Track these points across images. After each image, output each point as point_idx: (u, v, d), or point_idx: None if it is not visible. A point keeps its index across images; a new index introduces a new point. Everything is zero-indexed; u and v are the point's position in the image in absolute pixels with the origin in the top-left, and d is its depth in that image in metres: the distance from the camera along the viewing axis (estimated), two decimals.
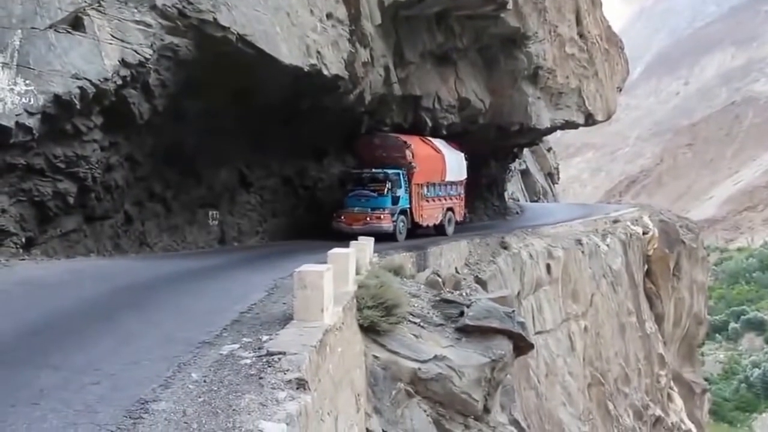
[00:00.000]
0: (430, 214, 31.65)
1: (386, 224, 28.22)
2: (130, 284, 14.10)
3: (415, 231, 30.09)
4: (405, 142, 30.32)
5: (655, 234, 49.10)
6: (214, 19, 18.77)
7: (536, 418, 26.74)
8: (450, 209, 33.44)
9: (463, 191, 35.29)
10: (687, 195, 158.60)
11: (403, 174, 29.74)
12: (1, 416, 6.43)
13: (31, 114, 15.59)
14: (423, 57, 31.09)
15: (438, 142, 33.50)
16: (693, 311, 56.11)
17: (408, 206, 29.96)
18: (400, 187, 29.49)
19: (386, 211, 28.60)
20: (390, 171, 29.39)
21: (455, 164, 33.92)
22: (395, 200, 29.24)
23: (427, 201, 31.63)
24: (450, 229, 32.68)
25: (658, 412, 44.62)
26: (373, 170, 29.60)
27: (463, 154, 35.13)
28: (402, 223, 29.16)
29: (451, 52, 32.66)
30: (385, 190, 29.05)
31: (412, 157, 30.16)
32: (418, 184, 30.71)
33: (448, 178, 33.20)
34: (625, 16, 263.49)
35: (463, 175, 34.98)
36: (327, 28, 23.37)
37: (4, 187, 16.35)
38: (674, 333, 53.73)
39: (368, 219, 28.06)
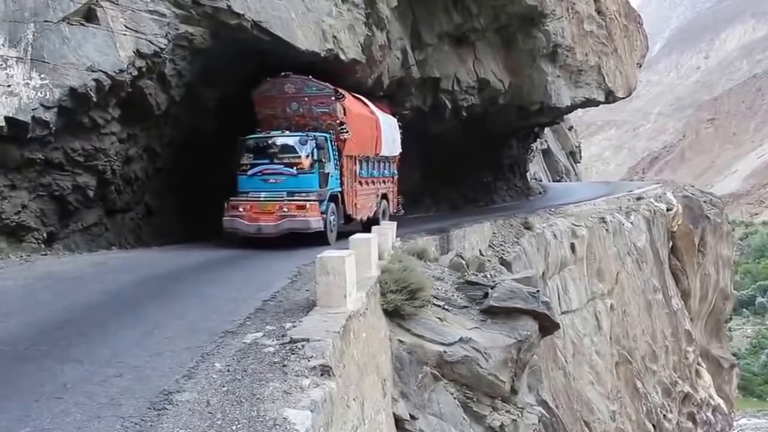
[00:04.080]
0: (363, 203, 22.36)
1: (314, 218, 18.93)
2: (153, 275, 14.06)
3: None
4: (336, 91, 20.62)
5: (679, 210, 48.76)
6: (228, 6, 18.65)
7: (564, 398, 26.63)
8: (384, 196, 24.46)
9: (396, 172, 26.13)
10: (710, 170, 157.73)
11: (331, 140, 20.30)
12: (24, 411, 6.44)
13: (47, 108, 15.56)
14: (441, 38, 30.85)
15: (368, 102, 24.12)
16: (719, 286, 55.89)
17: (339, 190, 20.69)
18: (329, 160, 20.03)
19: (312, 197, 19.25)
20: (317, 134, 19.89)
21: (390, 133, 24.70)
22: (324, 179, 19.77)
23: (361, 184, 22.36)
24: None
25: (687, 388, 44.43)
26: (288, 133, 19.89)
27: (396, 120, 26.04)
28: (333, 216, 19.91)
29: (469, 32, 32.35)
30: (309, 163, 19.32)
31: (344, 114, 20.72)
32: (350, 157, 21.43)
33: (383, 151, 24.15)
34: None
35: (397, 149, 25.74)
36: (342, 12, 23.18)
37: (24, 183, 16.36)
38: (701, 309, 53.46)
39: (285, 210, 18.90)
